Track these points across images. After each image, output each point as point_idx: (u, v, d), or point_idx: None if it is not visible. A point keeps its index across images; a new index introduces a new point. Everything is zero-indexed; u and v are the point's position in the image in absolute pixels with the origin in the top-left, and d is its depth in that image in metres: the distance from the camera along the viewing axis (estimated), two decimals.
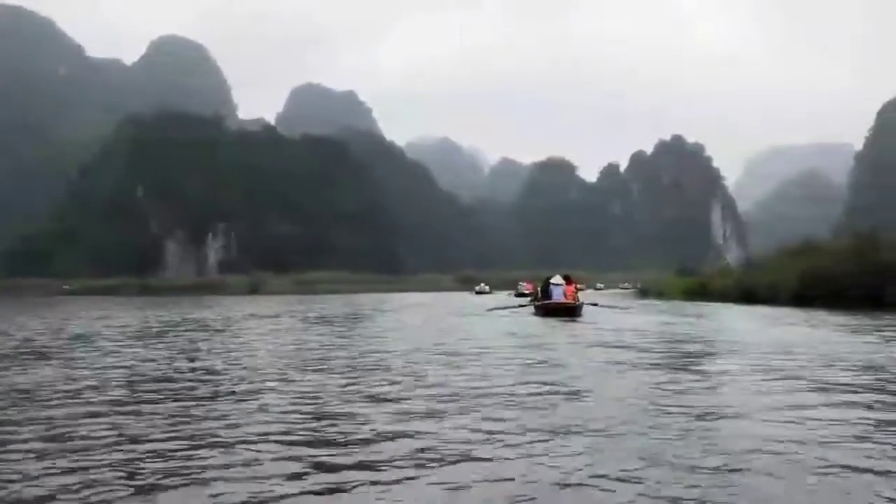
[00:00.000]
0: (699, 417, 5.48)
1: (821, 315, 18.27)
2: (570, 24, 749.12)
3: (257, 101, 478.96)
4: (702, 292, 33.69)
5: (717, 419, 5.42)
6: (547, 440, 4.81)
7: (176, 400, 6.65)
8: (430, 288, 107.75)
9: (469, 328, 17.36)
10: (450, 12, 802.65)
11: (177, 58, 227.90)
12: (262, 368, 9.09)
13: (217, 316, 25.30)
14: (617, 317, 21.07)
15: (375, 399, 6.57)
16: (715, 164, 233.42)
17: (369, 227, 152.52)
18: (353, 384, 7.46)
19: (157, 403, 6.48)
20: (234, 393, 7.10)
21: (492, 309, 23.99)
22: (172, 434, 5.14)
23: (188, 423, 5.56)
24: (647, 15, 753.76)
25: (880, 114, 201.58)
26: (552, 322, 18.24)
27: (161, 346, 12.51)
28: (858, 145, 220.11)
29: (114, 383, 7.84)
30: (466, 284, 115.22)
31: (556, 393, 6.79)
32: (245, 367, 9.21)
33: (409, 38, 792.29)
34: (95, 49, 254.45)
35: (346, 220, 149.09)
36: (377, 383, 7.54)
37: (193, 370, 8.96)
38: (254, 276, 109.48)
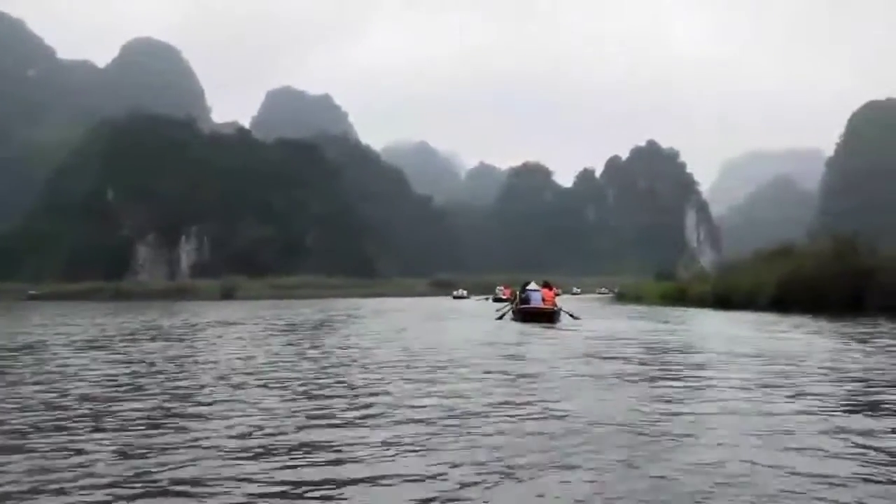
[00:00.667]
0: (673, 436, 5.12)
1: (807, 322, 17.75)
2: (548, 31, 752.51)
3: (232, 104, 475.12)
4: (680, 297, 33.35)
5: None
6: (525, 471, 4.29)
7: (89, 428, 5.75)
8: (405, 293, 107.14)
9: (442, 335, 16.64)
10: (427, 16, 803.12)
11: (150, 60, 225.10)
12: (209, 386, 8.21)
13: (181, 323, 24.32)
14: (598, 324, 20.51)
15: (332, 425, 5.78)
16: (689, 169, 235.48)
17: (344, 232, 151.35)
18: (308, 407, 6.65)
19: (57, 433, 5.55)
20: (167, 416, 6.26)
21: (500, 318, 22.85)
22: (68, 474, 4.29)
23: (93, 461, 4.64)
24: (621, 23, 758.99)
25: (850, 121, 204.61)
26: (532, 329, 17.78)
27: (106, 359, 11.54)
28: (829, 152, 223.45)
29: (29, 405, 6.89)
30: (442, 289, 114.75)
31: (532, 410, 6.25)
32: (187, 388, 8.30)
33: (386, 43, 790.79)
34: (67, 51, 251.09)
35: (320, 223, 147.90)
36: (335, 406, 6.73)
37: (131, 388, 8.07)
38: (226, 280, 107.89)
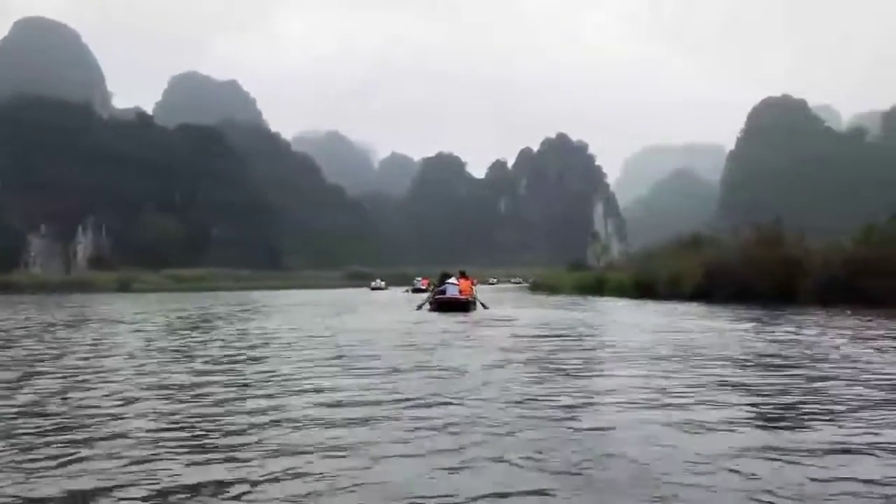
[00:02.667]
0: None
1: (739, 313, 17.42)
2: (463, 24, 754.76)
3: (139, 91, 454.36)
4: (597, 287, 32.95)
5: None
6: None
7: None
8: (317, 285, 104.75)
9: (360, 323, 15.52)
10: (341, 6, 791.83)
11: (44, 41, 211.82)
12: (62, 395, 6.85)
13: (69, 318, 22.15)
14: (521, 313, 20.55)
15: (196, 448, 4.60)
16: (598, 161, 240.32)
17: (251, 222, 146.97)
18: (172, 426, 5.35)
19: None
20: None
21: (419, 308, 23.13)
22: None
23: None
24: (534, 18, 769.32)
25: (750, 116, 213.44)
26: (446, 318, 17.79)
27: None
28: (729, 146, 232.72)
29: None
30: (357, 281, 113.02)
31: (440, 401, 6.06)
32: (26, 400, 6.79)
33: (299, 31, 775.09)
34: None
35: (226, 213, 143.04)
36: (205, 422, 5.48)
37: None
38: (123, 272, 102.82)
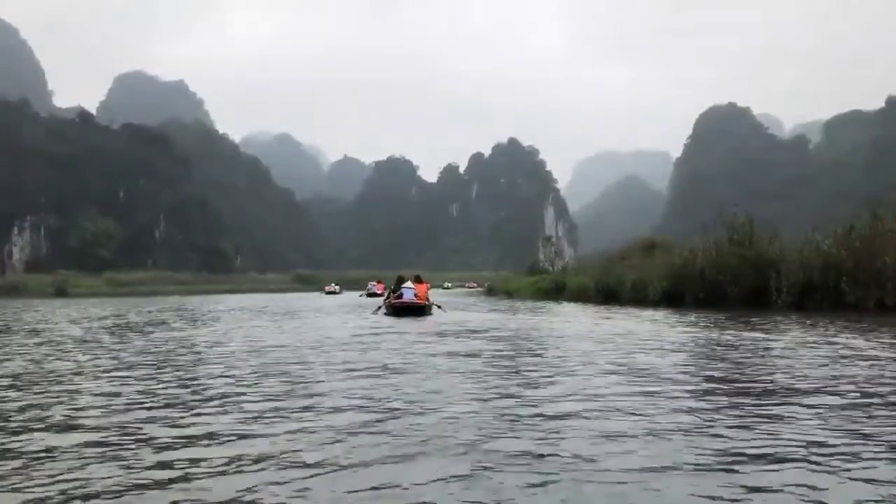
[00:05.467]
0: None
1: (718, 319, 16.47)
2: (416, 29, 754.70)
3: (83, 90, 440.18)
4: (557, 291, 31.89)
5: None
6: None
7: None
8: (264, 289, 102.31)
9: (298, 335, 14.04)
10: (294, 9, 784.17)
11: None
12: None
13: None
14: (484, 318, 19.44)
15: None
16: (548, 167, 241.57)
17: (197, 225, 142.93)
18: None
19: None
20: None
21: (375, 312, 22.71)
22: None
23: None
24: (488, 25, 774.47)
25: (696, 124, 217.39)
26: (405, 322, 17.52)
27: None
28: (675, 153, 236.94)
29: None
30: (305, 285, 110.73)
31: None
32: None
33: (251, 34, 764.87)
34: None
35: (171, 215, 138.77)
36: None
37: None
38: (57, 275, 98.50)
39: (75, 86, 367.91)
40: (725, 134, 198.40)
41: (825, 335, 11.22)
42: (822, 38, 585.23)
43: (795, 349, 9.40)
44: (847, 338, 10.70)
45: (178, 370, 8.50)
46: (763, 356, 8.81)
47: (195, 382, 7.39)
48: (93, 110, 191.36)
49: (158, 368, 8.64)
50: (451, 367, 8.32)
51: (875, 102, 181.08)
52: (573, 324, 14.81)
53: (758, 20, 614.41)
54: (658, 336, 12.02)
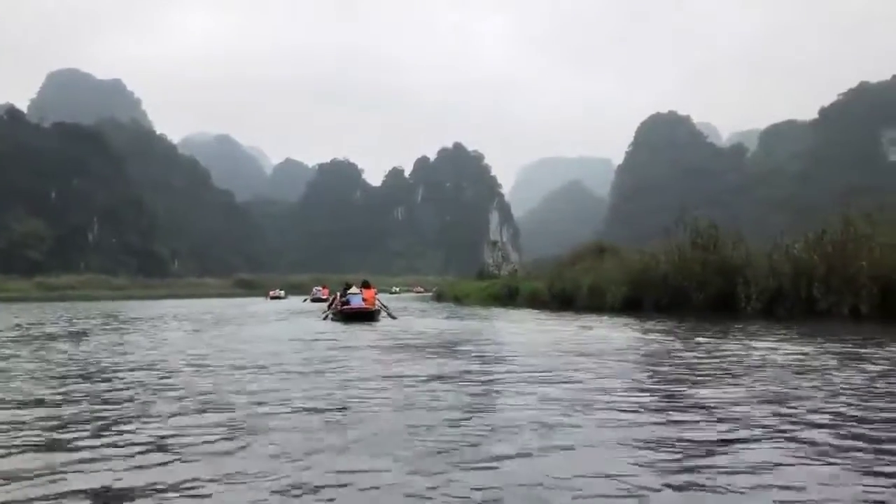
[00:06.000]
0: None
1: (687, 327, 15.69)
2: (363, 33, 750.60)
3: (13, 87, 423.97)
4: (509, 297, 30.90)
5: None
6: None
7: None
8: (204, 293, 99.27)
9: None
10: (240, 9, 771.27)
11: None
12: None
13: None
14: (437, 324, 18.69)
15: None
16: (493, 172, 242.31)
17: (132, 227, 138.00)
18: None
19: None
20: None
21: (325, 318, 22.21)
22: None
23: None
24: (435, 32, 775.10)
25: (638, 131, 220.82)
26: (354, 329, 16.72)
27: None
28: (617, 160, 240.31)
29: None
30: (247, 290, 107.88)
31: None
32: None
33: (193, 33, 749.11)
34: None
35: (103, 217, 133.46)
36: None
37: None
38: None
39: (4, 83, 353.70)
40: (666, 141, 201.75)
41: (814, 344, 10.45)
42: (764, 49, 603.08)
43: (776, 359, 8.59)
44: (833, 347, 9.95)
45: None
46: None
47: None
48: (23, 108, 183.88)
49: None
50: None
51: (809, 113, 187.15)
52: (556, 334, 13.77)
53: (706, 32, 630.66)
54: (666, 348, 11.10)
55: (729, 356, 9.03)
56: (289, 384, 7.28)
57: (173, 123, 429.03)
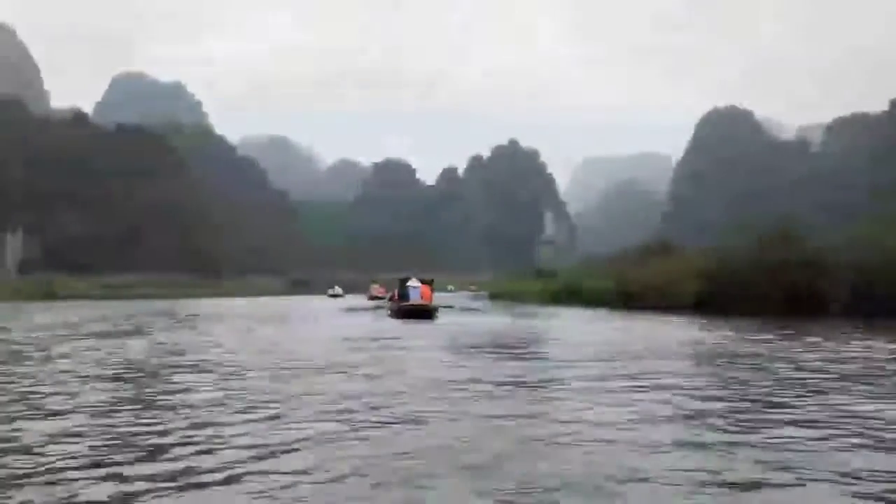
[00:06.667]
0: None
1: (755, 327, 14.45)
2: (414, 32, 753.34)
3: (81, 92, 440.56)
4: (569, 297, 29.76)
5: None
6: None
7: None
8: (259, 292, 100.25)
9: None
10: (294, 12, 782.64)
11: None
12: None
13: None
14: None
15: None
16: (549, 169, 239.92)
17: (191, 227, 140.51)
18: None
19: None
20: None
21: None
22: None
23: None
24: (488, 28, 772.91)
25: (697, 127, 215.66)
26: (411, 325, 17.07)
27: None
28: (676, 156, 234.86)
29: None
30: (302, 288, 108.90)
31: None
32: None
33: (250, 36, 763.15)
34: None
35: (163, 218, 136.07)
36: None
37: None
38: (47, 278, 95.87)
39: (76, 89, 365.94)
40: (727, 137, 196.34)
41: None
42: (829, 40, 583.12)
43: None
44: None
45: None
46: None
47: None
48: (89, 111, 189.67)
49: None
50: None
51: (879, 104, 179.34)
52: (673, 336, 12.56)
53: (759, 25, 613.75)
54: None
55: (854, 358, 8.08)
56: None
57: (234, 125, 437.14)
